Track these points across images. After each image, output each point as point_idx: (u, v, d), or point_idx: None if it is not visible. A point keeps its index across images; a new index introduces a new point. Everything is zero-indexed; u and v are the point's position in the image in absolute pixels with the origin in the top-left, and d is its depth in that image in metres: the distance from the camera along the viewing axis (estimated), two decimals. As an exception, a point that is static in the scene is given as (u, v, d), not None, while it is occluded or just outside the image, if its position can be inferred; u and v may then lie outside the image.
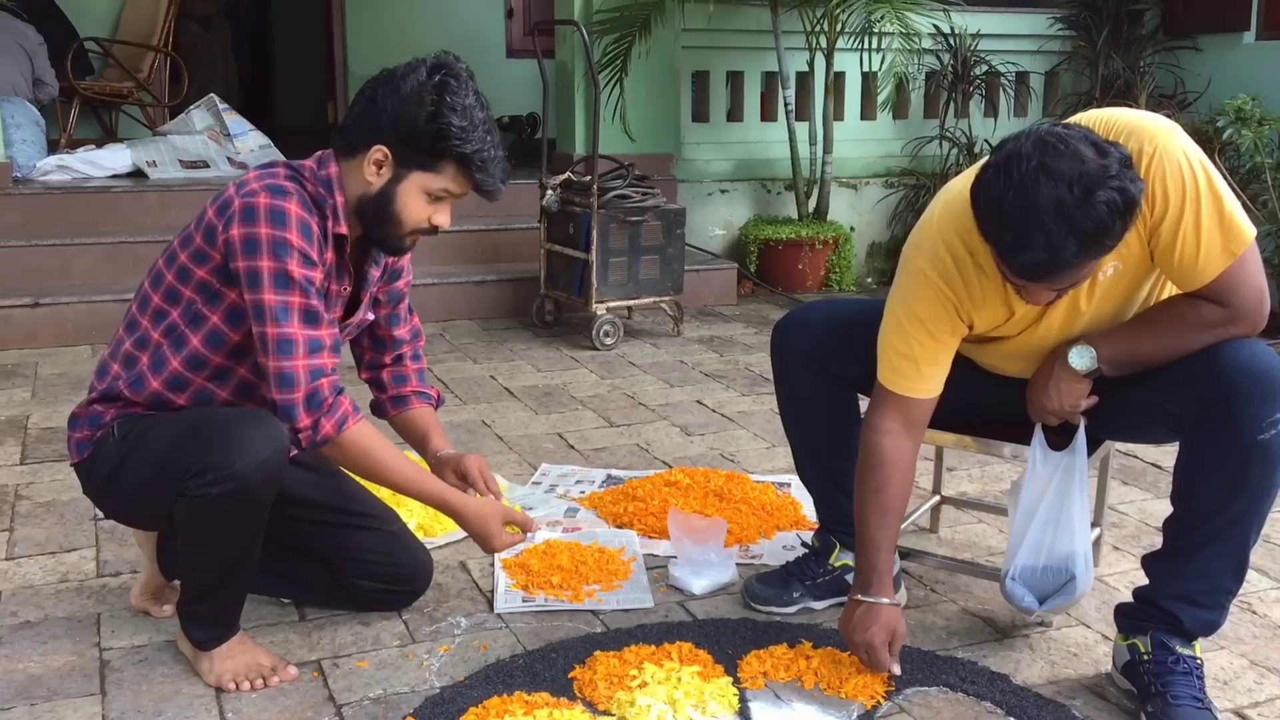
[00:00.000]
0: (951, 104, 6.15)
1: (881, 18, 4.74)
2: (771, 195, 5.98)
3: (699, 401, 3.77)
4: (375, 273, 2.12)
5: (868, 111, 6.25)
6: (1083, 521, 2.05)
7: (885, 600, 2.01)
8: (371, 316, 2.17)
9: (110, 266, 4.63)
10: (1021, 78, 6.48)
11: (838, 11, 5.01)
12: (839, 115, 6.01)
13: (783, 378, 2.28)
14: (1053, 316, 1.97)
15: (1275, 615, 2.34)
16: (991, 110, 6.36)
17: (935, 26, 6.03)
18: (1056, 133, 1.72)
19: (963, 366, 2.11)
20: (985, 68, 6.17)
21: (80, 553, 2.54)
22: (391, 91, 1.91)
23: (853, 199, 6.11)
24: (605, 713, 1.93)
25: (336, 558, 2.20)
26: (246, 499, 1.87)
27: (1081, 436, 2.04)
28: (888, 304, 2.04)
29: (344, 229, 1.97)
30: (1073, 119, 1.87)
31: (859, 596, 2.03)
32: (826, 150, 5.61)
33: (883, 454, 2.02)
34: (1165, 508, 2.00)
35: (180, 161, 5.48)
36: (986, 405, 2.19)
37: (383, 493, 2.33)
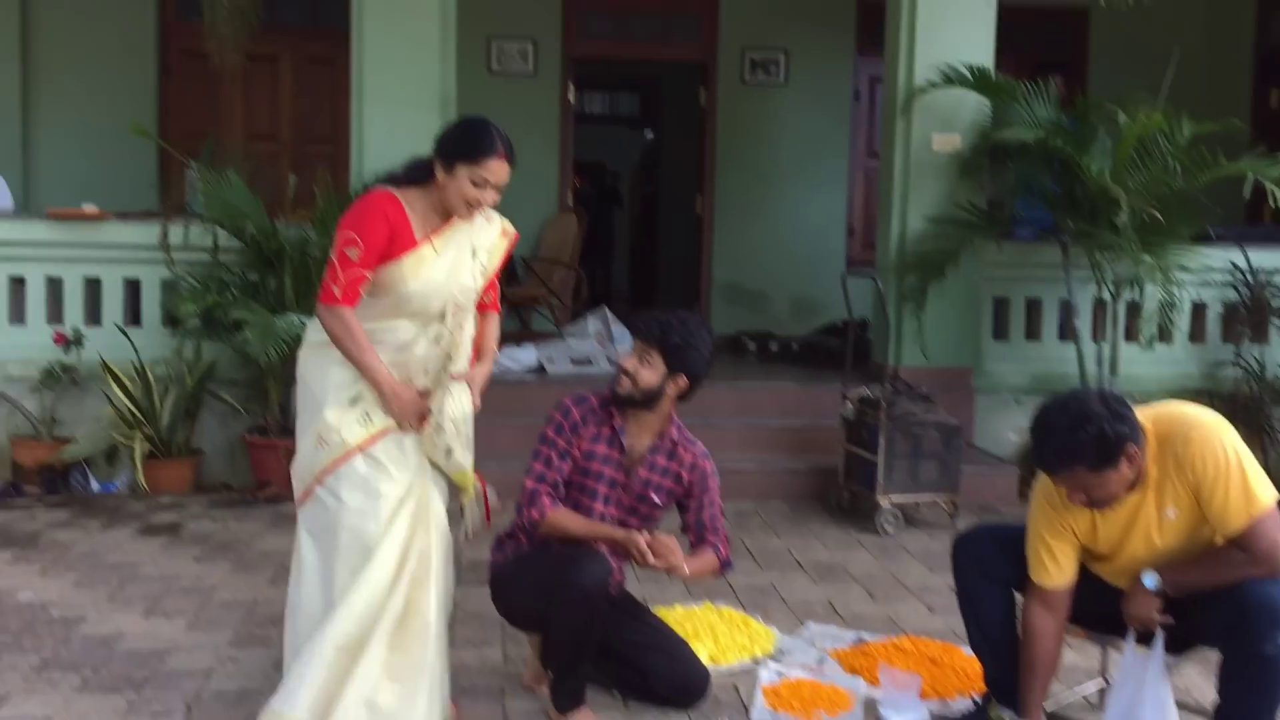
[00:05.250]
0: (1245, 332, 6.70)
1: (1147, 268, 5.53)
2: (1063, 406, 6.73)
3: (950, 585, 4.66)
4: None
5: (1164, 335, 6.88)
6: (1155, 703, 2.85)
7: None
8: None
9: (521, 441, 6.17)
10: (1325, 310, 6.88)
11: (1107, 259, 5.85)
12: (1134, 337, 6.71)
13: (957, 578, 3.25)
14: (1135, 545, 2.87)
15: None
16: (1291, 338, 6.82)
17: (1233, 264, 6.68)
18: (1085, 392, 2.76)
19: (1096, 584, 3.03)
20: (1283, 300, 6.68)
21: (494, 648, 3.89)
22: None
23: (1142, 413, 6.72)
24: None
25: (646, 669, 3.40)
26: (588, 605, 3.11)
27: (1159, 639, 2.88)
28: (1027, 524, 3.01)
29: None
30: (1149, 407, 2.83)
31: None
32: (1112, 371, 6.34)
33: (1031, 628, 3.00)
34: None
35: (570, 359, 7.08)
36: (1110, 612, 3.05)
37: (681, 630, 3.51)
